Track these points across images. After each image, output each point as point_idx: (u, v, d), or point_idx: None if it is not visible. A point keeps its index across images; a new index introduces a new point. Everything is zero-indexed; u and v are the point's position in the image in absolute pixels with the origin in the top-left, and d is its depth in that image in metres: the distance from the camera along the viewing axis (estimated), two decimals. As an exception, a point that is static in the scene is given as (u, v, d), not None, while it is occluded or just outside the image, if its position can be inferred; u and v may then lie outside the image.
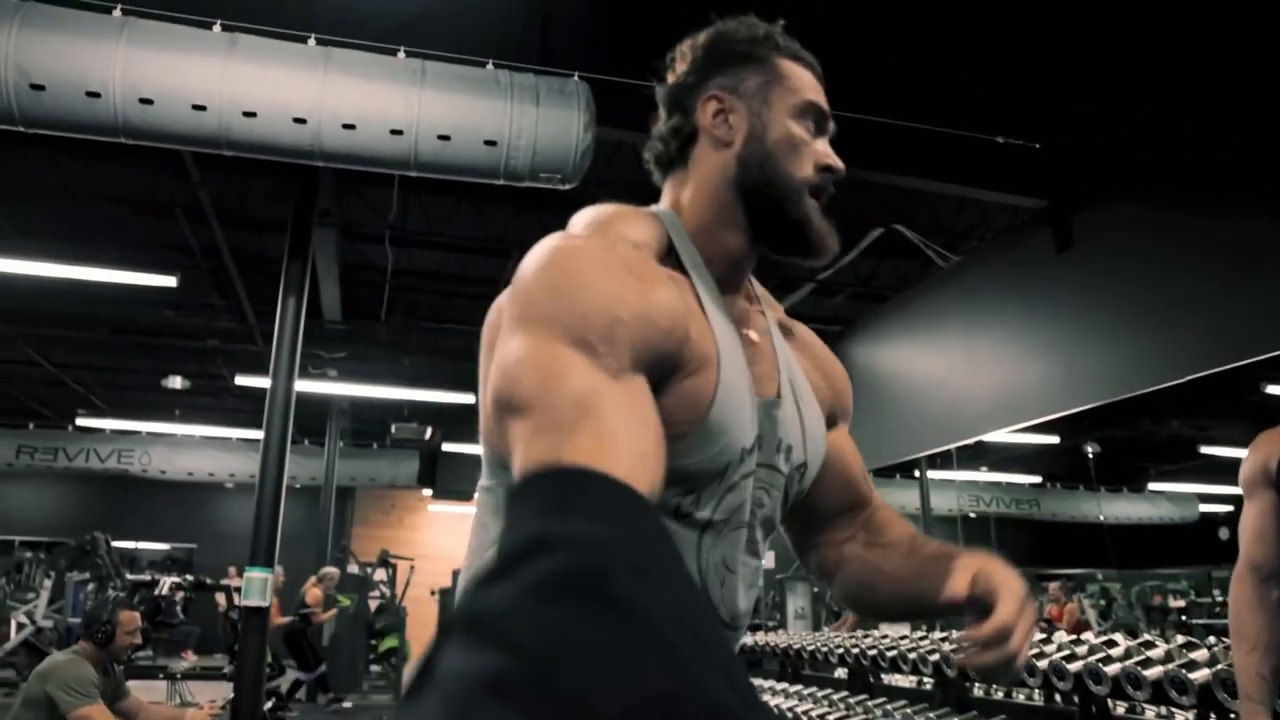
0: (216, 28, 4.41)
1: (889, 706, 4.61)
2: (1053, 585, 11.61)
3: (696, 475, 0.95)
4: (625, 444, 0.71)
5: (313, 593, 9.66)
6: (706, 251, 1.06)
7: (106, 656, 3.96)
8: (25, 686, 3.82)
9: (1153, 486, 18.64)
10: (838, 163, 1.08)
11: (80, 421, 13.75)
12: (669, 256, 1.03)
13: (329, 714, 8.08)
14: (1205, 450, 13.85)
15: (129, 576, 7.45)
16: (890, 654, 4.59)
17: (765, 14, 1.15)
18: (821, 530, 1.21)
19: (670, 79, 1.12)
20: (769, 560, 9.28)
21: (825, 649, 5.98)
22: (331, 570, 10.31)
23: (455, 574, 11.64)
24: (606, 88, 4.80)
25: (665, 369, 0.89)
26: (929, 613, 1.08)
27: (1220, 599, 13.46)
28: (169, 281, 7.27)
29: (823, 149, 1.08)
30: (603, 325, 0.80)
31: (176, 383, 11.55)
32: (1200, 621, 12.18)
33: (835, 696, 4.88)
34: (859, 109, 5.31)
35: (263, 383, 10.45)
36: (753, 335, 1.09)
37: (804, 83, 1.09)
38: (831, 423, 1.20)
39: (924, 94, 5.50)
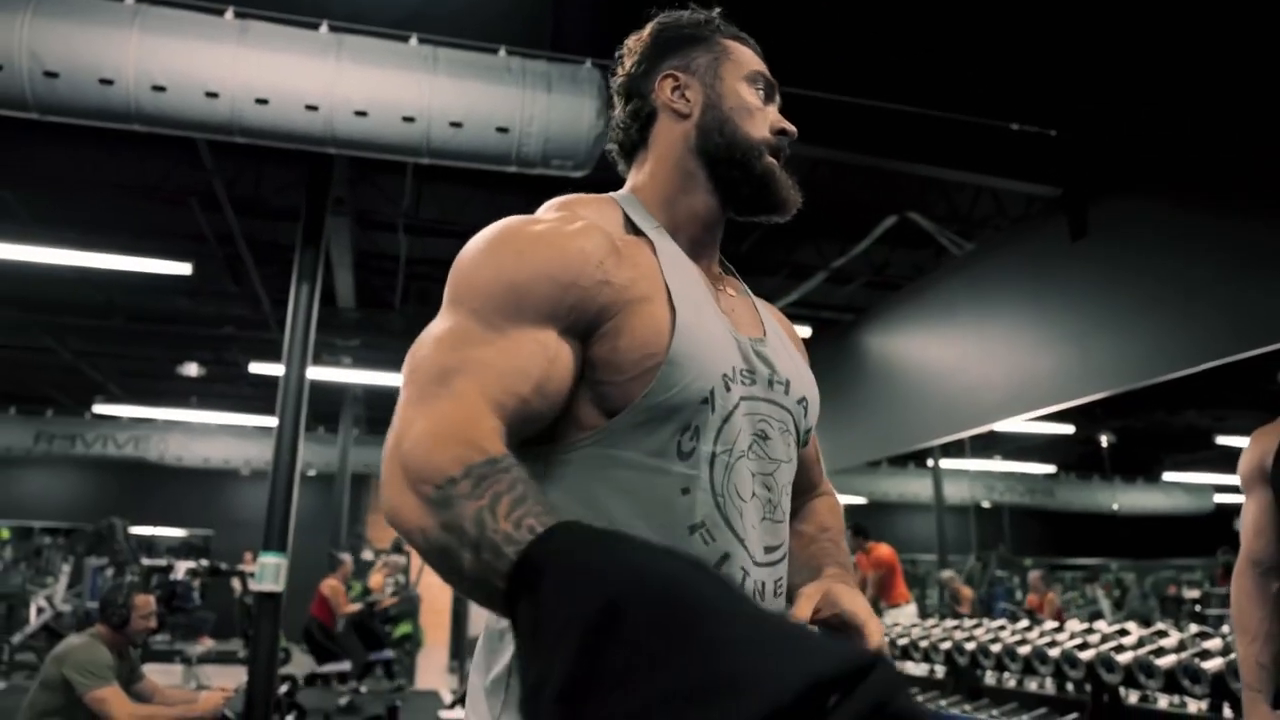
0: (229, 14, 4.42)
1: (900, 694, 4.60)
2: (1033, 575, 11.55)
3: (683, 406, 0.99)
4: (478, 396, 0.87)
5: (375, 579, 9.91)
6: (673, 218, 1.13)
7: (122, 639, 3.99)
8: (42, 669, 3.86)
9: (1168, 477, 18.53)
10: (790, 126, 1.16)
11: (97, 408, 13.86)
12: (629, 228, 1.10)
13: (342, 697, 8.15)
14: (1221, 440, 13.77)
15: (145, 561, 7.50)
16: (902, 642, 4.60)
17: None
18: None
19: (620, 73, 1.22)
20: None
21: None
22: (397, 558, 10.50)
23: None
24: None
25: (586, 314, 0.98)
26: None
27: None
28: (184, 269, 7.31)
29: (775, 114, 1.17)
30: (499, 293, 0.94)
31: (192, 370, 11.63)
32: (1215, 612, 12.12)
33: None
34: (873, 96, 5.29)
35: (277, 370, 10.55)
36: (729, 291, 1.18)
37: (748, 57, 1.19)
38: None
39: (938, 81, 5.47)
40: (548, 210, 1.09)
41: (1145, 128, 5.38)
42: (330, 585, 8.74)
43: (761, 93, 1.16)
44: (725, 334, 1.05)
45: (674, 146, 1.14)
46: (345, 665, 7.40)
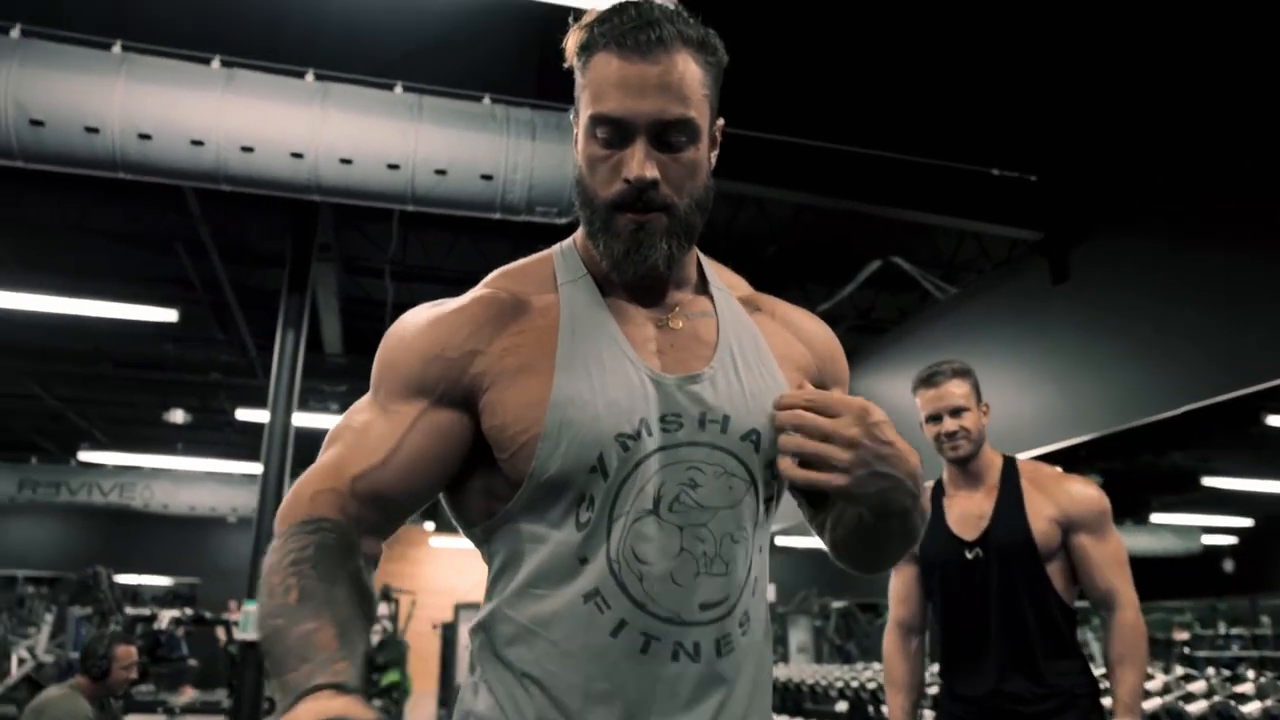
0: (215, 63, 4.46)
1: (888, 741, 4.55)
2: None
3: (571, 477, 0.97)
4: (338, 460, 0.99)
5: None
6: (596, 264, 1.07)
7: (102, 690, 3.94)
8: (17, 722, 3.80)
9: (1155, 519, 18.49)
10: (631, 170, 0.97)
11: (82, 456, 13.74)
12: (551, 280, 1.08)
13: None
14: (1207, 482, 13.74)
15: (128, 610, 7.40)
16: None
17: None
18: (825, 508, 1.16)
19: None
20: (770, 593, 9.24)
21: (825, 683, 5.92)
22: None
23: (456, 608, 11.59)
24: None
25: (458, 383, 1.00)
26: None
27: (1224, 632, 13.30)
28: (170, 316, 7.30)
29: (620, 159, 0.99)
30: (381, 373, 1.04)
31: (178, 416, 11.55)
32: (1204, 654, 12.05)
33: (834, 731, 4.84)
34: (858, 143, 5.35)
35: (264, 416, 10.49)
36: (676, 324, 1.07)
37: (603, 87, 0.98)
38: (822, 388, 1.15)
39: (921, 127, 5.54)
40: (483, 282, 1.10)
41: (1124, 172, 5.46)
42: None
43: (611, 135, 0.98)
44: (634, 387, 0.99)
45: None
46: None
